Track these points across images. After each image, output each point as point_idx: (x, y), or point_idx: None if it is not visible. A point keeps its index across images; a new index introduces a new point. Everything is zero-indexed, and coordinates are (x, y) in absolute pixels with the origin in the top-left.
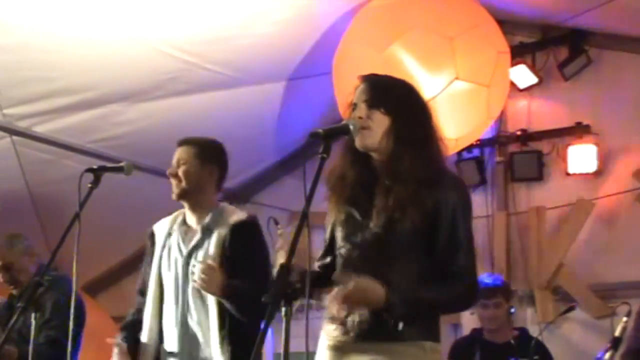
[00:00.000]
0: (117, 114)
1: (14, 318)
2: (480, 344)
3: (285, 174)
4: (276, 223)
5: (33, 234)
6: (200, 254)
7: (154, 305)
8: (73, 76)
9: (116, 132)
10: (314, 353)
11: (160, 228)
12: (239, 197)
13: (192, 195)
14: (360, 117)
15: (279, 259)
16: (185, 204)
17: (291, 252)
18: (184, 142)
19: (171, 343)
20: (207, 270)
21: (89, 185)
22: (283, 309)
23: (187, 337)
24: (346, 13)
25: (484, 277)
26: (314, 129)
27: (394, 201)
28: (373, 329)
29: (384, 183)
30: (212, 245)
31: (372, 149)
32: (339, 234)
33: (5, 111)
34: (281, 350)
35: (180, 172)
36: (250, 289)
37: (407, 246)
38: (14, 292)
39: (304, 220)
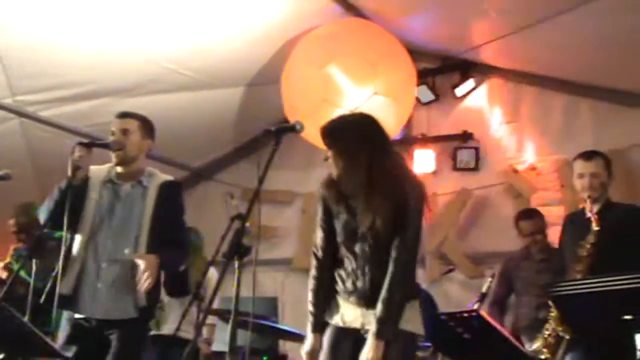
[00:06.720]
0: (108, 106)
1: (19, 265)
2: None
3: (240, 158)
4: (232, 197)
5: (33, 197)
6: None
7: None
8: (73, 74)
9: (107, 119)
10: (257, 297)
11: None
12: (203, 175)
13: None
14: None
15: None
16: (122, 169)
17: (244, 220)
18: (126, 115)
19: None
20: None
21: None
22: (236, 263)
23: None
24: (292, 38)
25: None
26: (267, 127)
27: None
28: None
29: None
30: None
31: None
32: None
33: (16, 98)
34: (233, 294)
35: (126, 142)
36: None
37: None
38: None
39: (256, 196)
